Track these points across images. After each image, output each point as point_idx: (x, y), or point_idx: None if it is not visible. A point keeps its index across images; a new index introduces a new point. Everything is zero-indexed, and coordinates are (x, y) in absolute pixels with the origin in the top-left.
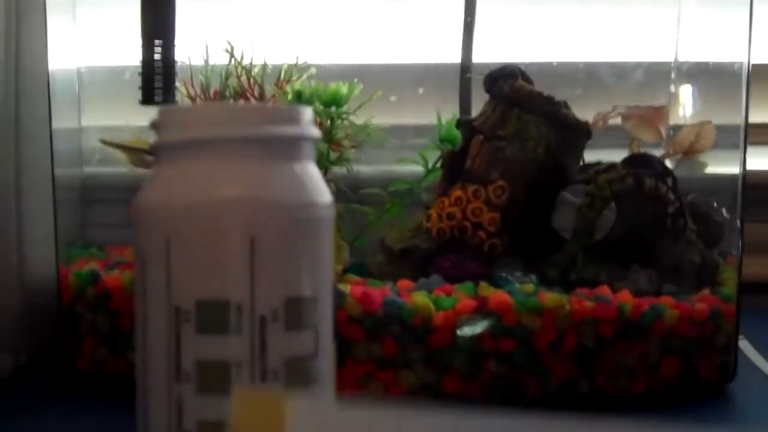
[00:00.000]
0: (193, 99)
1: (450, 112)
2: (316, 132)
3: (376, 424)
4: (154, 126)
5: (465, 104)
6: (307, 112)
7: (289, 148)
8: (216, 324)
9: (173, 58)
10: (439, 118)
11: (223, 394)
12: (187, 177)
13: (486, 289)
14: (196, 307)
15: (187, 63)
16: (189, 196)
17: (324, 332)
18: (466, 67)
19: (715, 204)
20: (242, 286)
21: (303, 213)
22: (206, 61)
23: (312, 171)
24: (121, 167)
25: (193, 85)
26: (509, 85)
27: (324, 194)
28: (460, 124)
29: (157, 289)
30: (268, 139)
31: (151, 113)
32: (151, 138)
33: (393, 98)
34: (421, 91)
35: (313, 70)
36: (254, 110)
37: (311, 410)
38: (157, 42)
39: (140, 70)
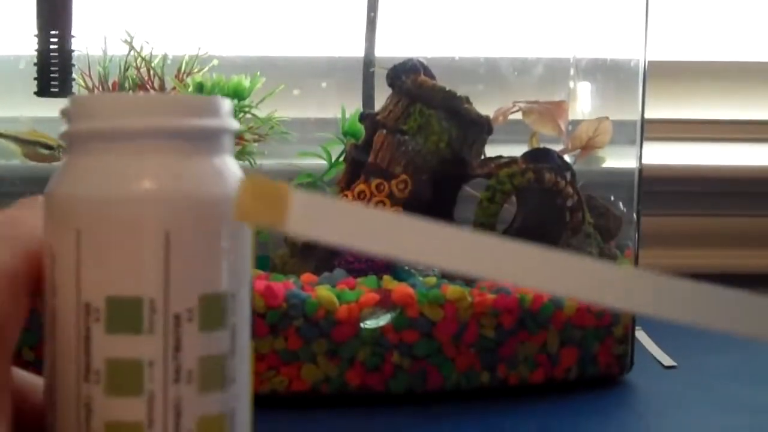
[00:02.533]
0: (90, 90)
1: (353, 106)
2: (235, 124)
3: (371, 221)
4: (65, 114)
5: (368, 98)
6: (227, 104)
7: (207, 140)
8: (128, 322)
9: (70, 48)
10: (343, 112)
11: (134, 395)
12: (99, 169)
13: (389, 282)
14: (107, 304)
15: (85, 53)
16: (101, 188)
17: (241, 330)
18: (369, 61)
19: (612, 198)
20: (156, 283)
21: (221, 207)
22: (105, 52)
23: (231, 164)
24: (15, 160)
25: (91, 77)
26: (412, 80)
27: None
28: (363, 117)
29: (66, 285)
30: (186, 131)
31: (46, 105)
32: (61, 127)
33: (296, 91)
34: (324, 84)
35: (215, 62)
36: (172, 101)
37: (311, 200)
38: (53, 32)
39: (35, 60)
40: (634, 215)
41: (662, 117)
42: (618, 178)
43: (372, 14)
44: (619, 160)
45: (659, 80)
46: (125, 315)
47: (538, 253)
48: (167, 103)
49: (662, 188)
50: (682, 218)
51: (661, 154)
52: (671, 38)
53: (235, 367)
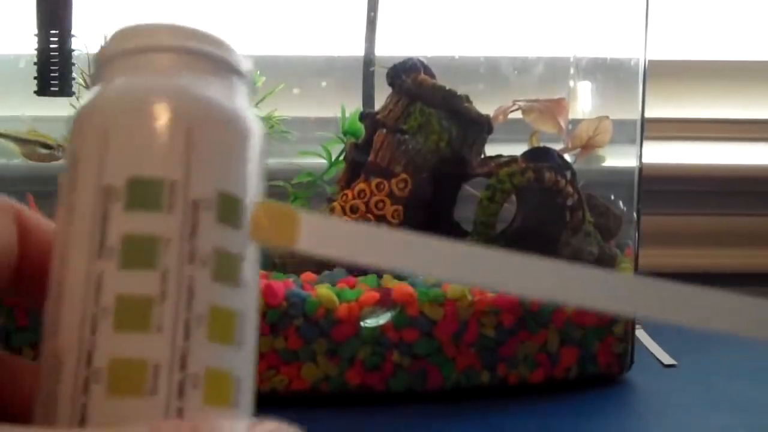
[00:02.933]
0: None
1: (353, 105)
2: (252, 87)
3: (382, 243)
4: (99, 56)
5: (368, 97)
6: (248, 62)
7: (232, 77)
8: (147, 200)
9: (70, 48)
10: (343, 111)
11: (148, 269)
12: (128, 77)
13: (389, 281)
14: (128, 183)
15: (85, 53)
16: (129, 88)
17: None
18: (369, 60)
19: (612, 197)
20: (177, 168)
21: (240, 123)
22: None
23: (248, 106)
24: (16, 159)
25: (90, 75)
26: (412, 79)
27: (258, 126)
28: (363, 117)
29: (87, 176)
30: (213, 57)
31: (46, 104)
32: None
33: (296, 91)
34: (324, 83)
35: None
36: (207, 35)
37: (319, 221)
38: (53, 32)
39: (35, 59)
40: (634, 214)
41: (662, 116)
42: (618, 177)
43: (372, 14)
44: (619, 159)
45: (659, 80)
46: (146, 193)
47: (538, 263)
48: (204, 35)
49: (662, 188)
50: (682, 218)
51: (661, 154)
52: (671, 38)
53: (247, 272)
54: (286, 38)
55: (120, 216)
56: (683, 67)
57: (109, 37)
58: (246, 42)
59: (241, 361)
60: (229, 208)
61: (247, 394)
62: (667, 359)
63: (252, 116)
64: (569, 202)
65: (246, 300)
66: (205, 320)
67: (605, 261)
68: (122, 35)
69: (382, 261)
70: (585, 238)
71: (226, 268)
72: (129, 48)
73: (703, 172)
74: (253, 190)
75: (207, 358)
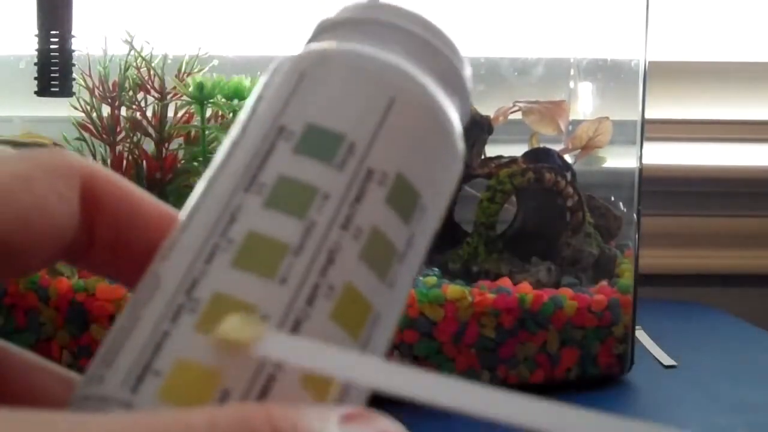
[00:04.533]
0: (91, 91)
1: None
2: (469, 106)
3: (340, 367)
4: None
5: None
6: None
7: (453, 81)
8: (319, 150)
9: (70, 48)
10: None
11: (294, 216)
12: (350, 41)
13: None
14: (306, 128)
15: (85, 53)
16: (346, 47)
17: (417, 250)
18: None
19: (613, 198)
20: (363, 130)
21: (446, 126)
22: (105, 52)
23: (458, 119)
24: None
25: (91, 76)
26: None
27: (461, 148)
28: None
29: (265, 114)
30: (442, 56)
31: (46, 104)
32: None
33: None
34: None
35: (215, 62)
36: (444, 34)
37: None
38: (53, 32)
39: (35, 60)
40: (634, 215)
41: (662, 117)
42: (618, 178)
43: None
44: (619, 160)
45: (659, 80)
46: (320, 142)
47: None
48: (443, 35)
49: (662, 189)
50: (682, 218)
51: (661, 154)
52: (671, 38)
53: (400, 274)
54: (286, 39)
55: (284, 155)
56: (683, 68)
57: (341, 7)
58: (246, 43)
59: None
60: (403, 195)
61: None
62: (667, 360)
63: (459, 132)
64: (569, 203)
65: (387, 301)
66: (335, 295)
67: (605, 261)
68: (356, 6)
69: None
70: (585, 239)
71: (378, 253)
72: (360, 17)
73: (704, 173)
74: (435, 200)
75: (320, 336)
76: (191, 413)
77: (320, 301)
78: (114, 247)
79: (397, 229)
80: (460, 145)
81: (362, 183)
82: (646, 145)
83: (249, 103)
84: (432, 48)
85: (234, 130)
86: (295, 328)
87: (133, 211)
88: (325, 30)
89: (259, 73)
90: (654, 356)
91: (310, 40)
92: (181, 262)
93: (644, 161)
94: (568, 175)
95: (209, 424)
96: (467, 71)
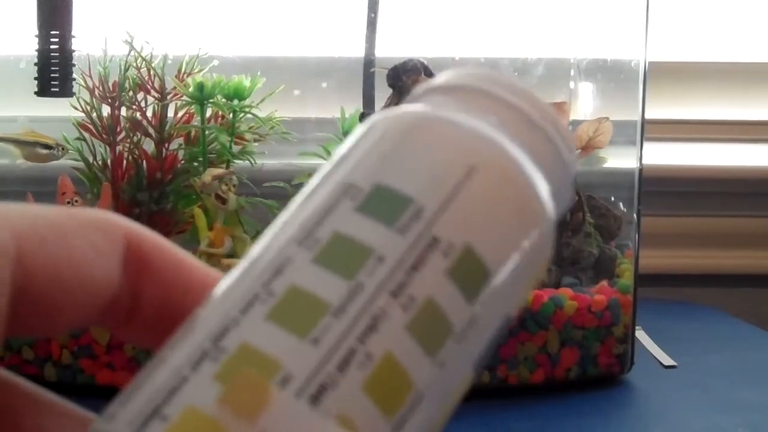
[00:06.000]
0: (91, 91)
1: (353, 106)
2: (571, 199)
3: None
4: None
5: (368, 98)
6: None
7: (551, 162)
8: (383, 211)
9: (70, 48)
10: (343, 112)
11: (341, 275)
12: (445, 107)
13: None
14: (373, 188)
15: (85, 53)
16: (437, 113)
17: (480, 333)
18: (369, 61)
19: (613, 198)
20: (434, 197)
21: (532, 207)
22: (105, 52)
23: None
24: (18, 160)
25: (91, 76)
26: (412, 80)
27: (550, 241)
28: (363, 117)
29: (338, 170)
30: (544, 135)
31: (46, 104)
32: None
33: (296, 92)
34: (324, 84)
35: (215, 62)
36: (551, 113)
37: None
38: (53, 32)
39: (36, 60)
40: (634, 215)
41: (662, 117)
42: (618, 178)
43: (372, 14)
44: (619, 160)
45: (659, 80)
46: (385, 204)
47: None
48: (550, 113)
49: (662, 188)
50: (682, 218)
51: (661, 154)
52: (671, 38)
53: (453, 356)
54: (286, 39)
55: (345, 213)
56: (683, 69)
57: (448, 72)
58: (246, 43)
59: None
60: (469, 271)
61: None
62: (667, 360)
63: (550, 214)
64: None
65: (434, 382)
66: (371, 365)
67: (605, 262)
68: (459, 73)
69: None
70: (585, 239)
71: (429, 328)
72: (459, 84)
73: (704, 174)
74: (510, 281)
75: (347, 406)
76: None
77: (354, 369)
78: (161, 313)
79: (457, 305)
80: (549, 227)
81: (423, 251)
82: (646, 145)
83: (333, 156)
84: (530, 122)
85: (312, 181)
86: (320, 394)
87: (182, 275)
88: (423, 93)
89: (258, 72)
90: (654, 356)
91: (407, 101)
92: (219, 308)
93: (644, 161)
94: None
95: None
96: (571, 154)
